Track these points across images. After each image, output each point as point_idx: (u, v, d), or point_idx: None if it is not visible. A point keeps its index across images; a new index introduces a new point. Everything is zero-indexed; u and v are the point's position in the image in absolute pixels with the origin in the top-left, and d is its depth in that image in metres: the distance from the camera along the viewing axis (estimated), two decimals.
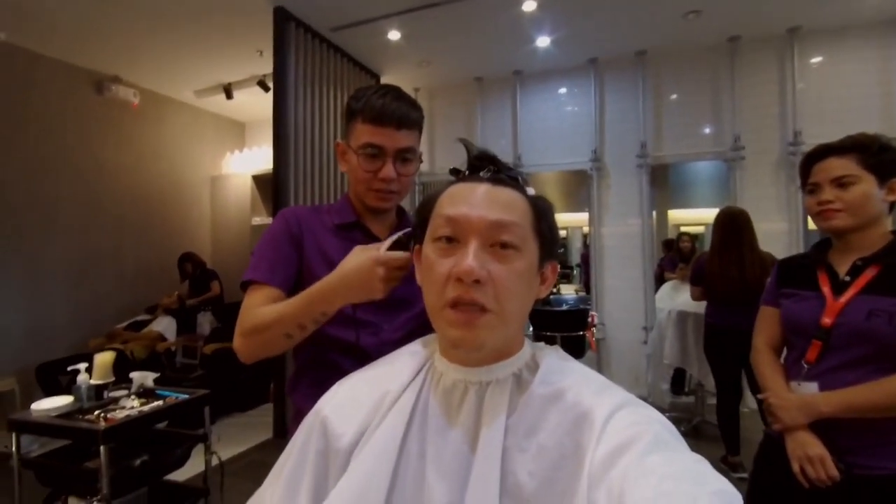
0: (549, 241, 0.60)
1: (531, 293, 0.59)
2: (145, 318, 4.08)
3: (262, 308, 0.84)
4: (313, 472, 0.59)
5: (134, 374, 1.68)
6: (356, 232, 0.96)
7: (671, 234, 5.23)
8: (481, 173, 0.60)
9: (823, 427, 0.99)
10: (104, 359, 1.62)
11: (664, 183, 5.39)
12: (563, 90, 4.47)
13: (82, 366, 1.57)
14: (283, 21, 3.32)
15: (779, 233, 3.76)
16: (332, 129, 3.83)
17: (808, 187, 1.11)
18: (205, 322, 4.13)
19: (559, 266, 0.64)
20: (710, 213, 5.10)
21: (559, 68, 4.33)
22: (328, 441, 0.60)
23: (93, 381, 1.56)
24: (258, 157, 5.10)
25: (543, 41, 3.86)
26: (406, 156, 0.91)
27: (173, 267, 4.56)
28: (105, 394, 1.59)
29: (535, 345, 0.63)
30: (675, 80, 4.12)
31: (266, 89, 4.26)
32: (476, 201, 0.56)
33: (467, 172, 0.63)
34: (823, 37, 3.69)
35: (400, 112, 0.88)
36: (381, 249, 0.76)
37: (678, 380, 3.81)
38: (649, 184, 4.15)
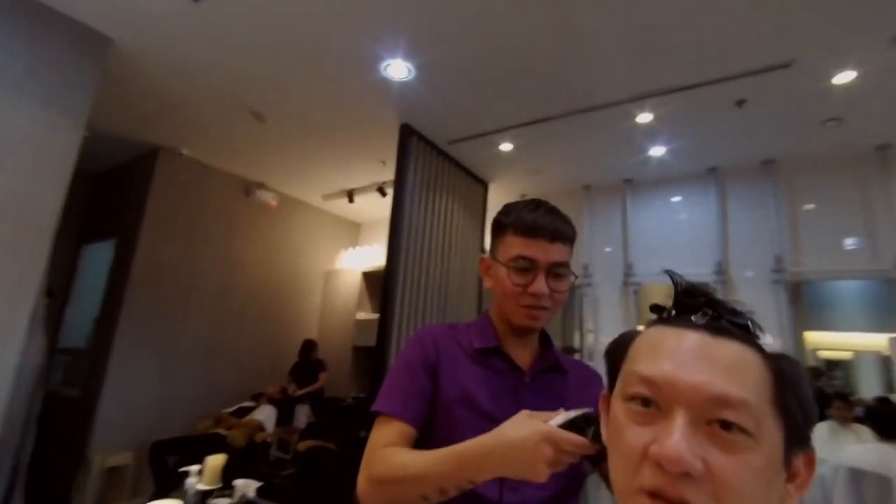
0: (799, 421, 0.43)
1: (772, 498, 0.41)
2: (250, 405, 4.21)
3: (397, 453, 0.74)
4: None
5: (237, 483, 1.61)
6: (495, 359, 0.87)
7: (808, 360, 4.46)
8: (694, 317, 0.46)
9: None
10: (216, 463, 1.59)
11: (798, 301, 4.74)
12: (678, 198, 4.27)
13: (194, 468, 1.55)
14: (408, 135, 3.64)
15: None
16: (441, 231, 3.97)
17: None
18: (301, 414, 4.16)
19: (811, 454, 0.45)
20: (856, 337, 4.35)
21: (674, 177, 4.19)
22: None
23: (201, 486, 1.53)
24: (369, 255, 5.42)
25: (658, 150, 3.79)
26: (559, 271, 0.85)
27: (282, 356, 4.78)
28: (209, 501, 1.55)
29: None
30: (814, 190, 3.74)
31: (383, 194, 4.62)
32: (685, 357, 0.43)
33: (673, 312, 0.50)
34: None
35: (553, 226, 0.84)
36: (551, 422, 0.63)
37: None
38: (788, 301, 3.64)
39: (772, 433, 0.41)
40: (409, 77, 2.97)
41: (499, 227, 0.89)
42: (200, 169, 4.45)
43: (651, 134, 3.55)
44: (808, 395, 0.44)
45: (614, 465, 0.45)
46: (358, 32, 2.61)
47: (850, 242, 3.57)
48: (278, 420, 4.08)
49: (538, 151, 3.97)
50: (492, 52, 2.71)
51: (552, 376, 0.89)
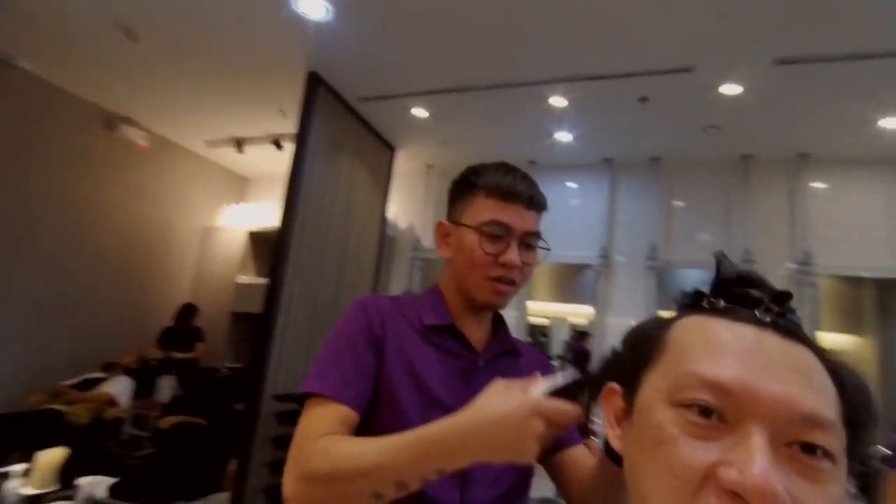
0: (863, 440, 0.36)
1: None
2: (99, 377, 3.61)
3: (338, 443, 0.61)
4: None
5: (82, 482, 1.26)
6: (447, 338, 0.76)
7: None
8: (758, 311, 0.37)
9: None
10: (49, 460, 1.23)
11: (661, 286, 5.38)
12: (575, 185, 4.50)
13: (17, 468, 1.17)
14: (315, 85, 3.29)
15: None
16: (342, 194, 3.70)
17: None
18: (165, 387, 3.67)
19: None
20: None
21: (575, 164, 4.39)
22: None
23: (29, 491, 1.17)
24: (257, 213, 4.92)
25: (564, 136, 3.92)
26: (532, 241, 0.76)
27: (145, 321, 4.17)
28: None
29: None
30: (688, 190, 4.18)
31: (279, 147, 4.19)
32: (763, 362, 0.34)
33: (722, 303, 0.40)
34: (832, 165, 3.82)
35: (531, 191, 0.76)
36: (534, 391, 0.54)
37: None
38: (656, 286, 4.06)
39: (844, 460, 0.34)
40: (326, 17, 2.63)
41: (466, 187, 0.78)
42: (45, 90, 3.60)
43: (560, 119, 3.65)
44: (875, 411, 0.37)
45: (655, 486, 0.35)
46: None
47: (705, 238, 4.07)
48: (135, 393, 3.56)
49: (452, 122, 3.87)
50: (424, 6, 2.50)
51: (506, 360, 0.81)
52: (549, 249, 0.79)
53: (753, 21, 2.40)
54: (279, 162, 4.23)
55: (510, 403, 0.52)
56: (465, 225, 0.76)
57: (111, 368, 3.68)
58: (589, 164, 4.37)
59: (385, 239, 4.45)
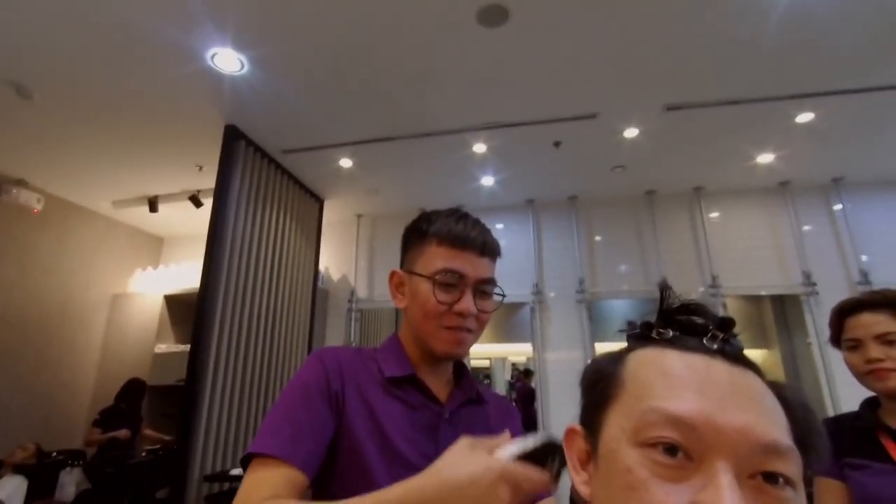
0: (812, 463, 0.37)
1: None
2: None
3: None
4: None
5: None
6: (409, 390, 0.74)
7: None
8: (706, 340, 0.39)
9: None
10: None
11: (591, 317, 5.65)
12: (500, 226, 4.68)
13: None
14: (234, 139, 3.21)
15: None
16: (270, 250, 3.56)
17: (848, 343, 1.07)
18: (69, 483, 3.20)
19: None
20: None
21: (500, 205, 4.58)
22: None
23: None
24: (175, 276, 4.58)
25: (488, 180, 4.10)
26: (487, 288, 0.76)
27: (40, 404, 3.65)
28: None
29: None
30: (604, 224, 4.49)
31: (198, 205, 3.99)
32: (719, 392, 0.35)
33: (671, 332, 0.41)
34: (722, 196, 4.30)
35: (483, 238, 0.75)
36: (502, 453, 0.51)
37: None
38: (588, 318, 4.25)
39: (801, 482, 0.35)
40: (241, 71, 2.62)
41: (417, 236, 0.78)
42: None
43: (483, 164, 3.82)
44: (822, 430, 0.38)
45: None
46: (176, 7, 2.20)
47: (624, 269, 4.36)
48: (31, 493, 3.06)
49: (378, 171, 3.91)
50: (340, 59, 2.57)
51: (471, 408, 0.80)
52: (504, 296, 0.78)
53: (645, 73, 2.70)
54: (198, 219, 4.03)
55: (476, 467, 0.49)
56: (418, 274, 0.75)
57: (0, 467, 3.16)
58: (513, 205, 4.58)
59: (318, 292, 4.31)
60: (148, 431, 3.88)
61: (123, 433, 3.53)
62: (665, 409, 0.35)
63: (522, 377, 4.90)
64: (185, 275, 4.48)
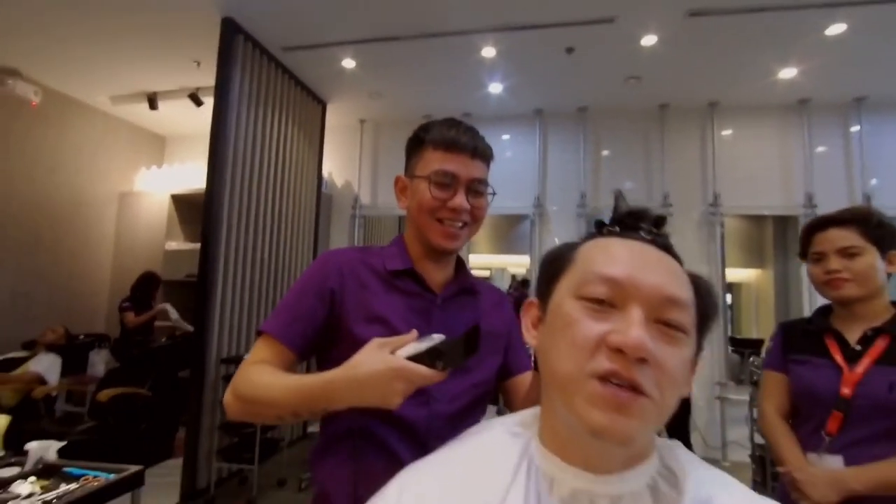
0: (705, 329, 0.50)
1: (686, 385, 0.48)
2: (21, 356, 3.38)
3: (262, 374, 0.74)
4: None
5: (31, 446, 1.26)
6: (407, 281, 0.84)
7: None
8: (642, 232, 0.51)
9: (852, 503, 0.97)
10: None
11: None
12: (507, 136, 4.59)
13: None
14: (231, 33, 3.07)
15: None
16: (274, 151, 3.56)
17: (813, 256, 1.14)
18: (99, 362, 3.52)
19: None
20: None
21: (507, 115, 4.45)
22: None
23: None
24: (179, 175, 4.62)
25: (496, 87, 3.95)
26: (478, 188, 0.84)
27: (64, 295, 3.90)
28: None
29: (659, 444, 0.52)
30: (613, 138, 4.40)
31: (198, 103, 3.91)
32: (639, 263, 0.47)
33: (618, 229, 0.53)
34: (736, 113, 4.16)
35: (474, 142, 0.83)
36: (400, 352, 0.62)
37: None
38: (587, 233, 4.33)
39: (693, 334, 0.48)
40: None
41: (417, 144, 0.86)
42: None
43: (491, 70, 3.66)
44: (717, 310, 0.52)
45: (561, 357, 0.46)
46: None
47: (629, 185, 4.35)
48: (66, 369, 3.39)
49: (382, 73, 3.77)
50: None
51: (464, 298, 0.89)
52: (494, 194, 0.87)
53: None
54: (200, 119, 3.97)
55: (378, 364, 0.61)
56: (417, 176, 0.84)
57: (33, 346, 3.46)
58: (521, 114, 4.45)
59: (322, 197, 4.36)
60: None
61: (160, 309, 3.82)
62: (601, 272, 0.47)
63: (519, 287, 5.11)
64: (191, 174, 4.51)
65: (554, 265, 0.53)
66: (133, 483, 1.31)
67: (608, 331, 0.44)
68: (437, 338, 0.63)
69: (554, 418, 0.49)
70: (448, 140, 0.82)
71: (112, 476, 1.26)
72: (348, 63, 3.58)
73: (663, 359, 0.43)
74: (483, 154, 0.85)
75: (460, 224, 0.83)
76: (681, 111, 4.22)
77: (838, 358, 1.07)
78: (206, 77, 3.36)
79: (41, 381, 3.20)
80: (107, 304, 4.47)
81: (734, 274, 5.41)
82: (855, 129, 3.97)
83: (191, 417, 2.91)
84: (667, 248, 0.51)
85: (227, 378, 3.01)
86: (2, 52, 3.47)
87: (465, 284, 0.90)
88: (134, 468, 1.31)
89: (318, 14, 2.98)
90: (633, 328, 0.43)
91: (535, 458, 0.50)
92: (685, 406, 2.68)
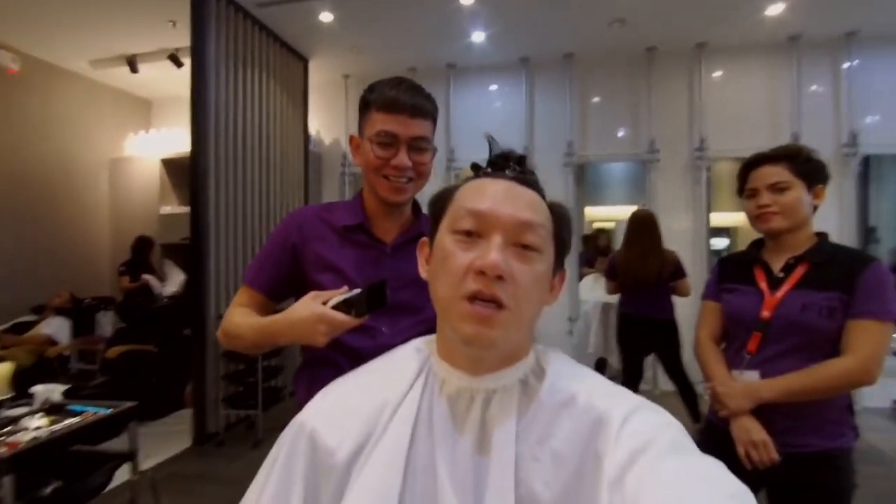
0: (563, 249, 0.60)
1: (543, 300, 0.57)
2: (31, 320, 3.55)
3: (236, 314, 0.93)
4: (302, 493, 0.54)
5: (36, 389, 1.42)
6: (360, 234, 0.95)
7: (586, 230, 5.57)
8: (507, 171, 0.59)
9: (763, 411, 1.09)
10: (2, 371, 1.37)
11: (582, 181, 5.74)
12: (494, 87, 4.54)
13: None
14: None
15: (685, 230, 4.13)
16: (257, 111, 3.57)
17: (748, 192, 1.21)
18: (106, 323, 3.69)
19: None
20: (622, 211, 5.55)
21: (492, 65, 4.39)
22: (318, 455, 0.55)
23: None
24: (168, 139, 4.63)
25: (478, 36, 3.89)
26: (420, 145, 0.90)
27: (64, 259, 4.03)
28: (1, 412, 1.35)
29: (538, 349, 0.62)
30: (600, 84, 4.35)
31: (179, 65, 3.89)
32: (501, 198, 0.55)
33: (489, 169, 0.61)
34: (725, 53, 4.08)
35: (413, 101, 0.89)
36: (330, 302, 0.78)
37: (600, 369, 4.07)
38: (574, 182, 4.37)
39: (549, 254, 0.56)
40: None
41: (363, 105, 0.93)
42: None
43: (473, 18, 3.59)
44: (570, 232, 0.61)
45: (441, 285, 0.55)
46: None
47: (616, 131, 4.34)
48: (74, 331, 3.56)
49: (361, 26, 3.71)
50: None
51: (414, 246, 0.98)
52: (436, 150, 0.94)
53: None
54: (184, 81, 3.92)
55: (306, 312, 0.77)
56: (364, 137, 0.91)
57: (41, 310, 3.63)
58: (506, 64, 4.38)
59: (310, 155, 4.39)
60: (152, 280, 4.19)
61: (150, 279, 3.95)
62: (468, 207, 0.55)
63: None
64: (179, 138, 4.52)
65: (437, 206, 0.61)
66: (128, 417, 1.46)
67: (474, 258, 0.52)
68: (356, 292, 0.78)
69: (442, 333, 0.60)
70: (389, 101, 0.88)
71: (109, 410, 1.41)
72: (326, 17, 3.52)
73: (518, 275, 0.52)
74: (423, 112, 0.90)
75: (405, 179, 0.90)
76: (668, 54, 4.14)
77: (763, 285, 1.17)
78: (184, 37, 3.32)
79: (52, 342, 3.38)
80: (109, 269, 4.61)
81: (731, 218, 5.48)
82: (845, 65, 3.91)
83: (196, 370, 3.10)
84: (528, 182, 0.58)
85: None
86: None
87: (415, 233, 0.97)
88: (129, 403, 1.47)
89: None
90: (491, 252, 0.51)
91: (433, 366, 0.60)
92: (675, 343, 2.83)
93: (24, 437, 1.22)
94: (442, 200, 0.61)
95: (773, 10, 3.48)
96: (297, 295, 0.93)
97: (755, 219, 1.19)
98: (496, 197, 0.55)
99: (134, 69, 4.05)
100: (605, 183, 6.22)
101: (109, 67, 4.17)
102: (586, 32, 3.86)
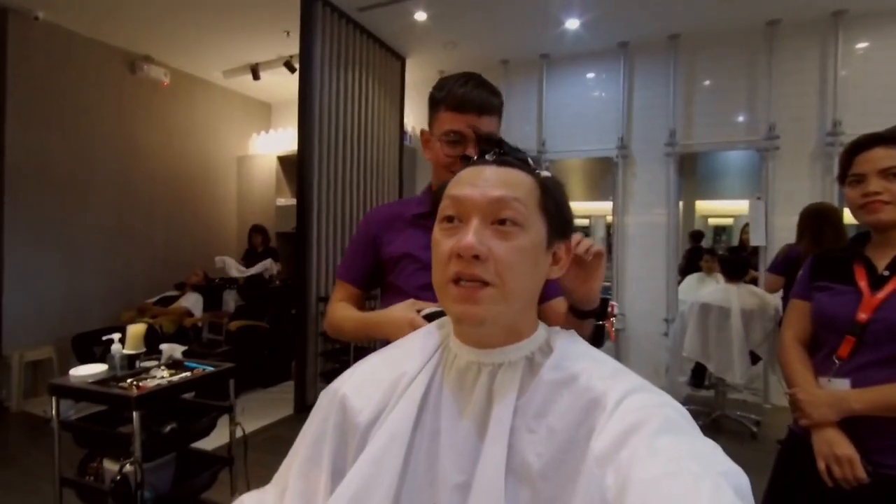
0: (557, 219, 0.59)
1: (538, 272, 0.58)
2: (174, 294, 4.21)
3: (337, 309, 1.07)
4: (332, 445, 0.62)
5: (163, 346, 1.74)
6: (430, 220, 0.99)
7: (698, 226, 5.12)
8: (487, 156, 0.61)
9: (852, 424, 0.97)
10: (136, 330, 1.69)
11: (692, 173, 5.26)
12: (591, 75, 4.37)
13: (116, 336, 1.64)
14: (310, 1, 3.31)
15: None
16: (357, 110, 3.83)
17: (851, 178, 1.06)
18: (230, 300, 4.24)
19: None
20: (739, 205, 5.00)
21: (588, 52, 4.23)
22: (346, 416, 0.62)
23: (126, 351, 1.63)
24: (284, 139, 5.16)
25: (573, 23, 3.77)
26: None
27: (203, 244, 4.70)
28: (137, 363, 1.67)
29: (552, 329, 0.63)
30: (710, 66, 3.98)
31: (292, 70, 4.28)
32: (479, 181, 0.56)
33: (475, 157, 0.63)
34: (870, 21, 3.50)
35: (480, 99, 0.92)
36: (423, 312, 0.86)
37: (699, 374, 3.76)
38: (677, 173, 4.06)
39: (537, 226, 0.57)
40: None
41: (433, 103, 0.98)
42: (67, 37, 3.82)
43: (566, 5, 3.50)
44: (564, 202, 0.61)
45: (433, 272, 0.59)
46: None
47: (728, 117, 3.92)
48: (206, 306, 4.14)
49: (454, 22, 3.79)
50: None
51: None
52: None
53: None
54: (297, 84, 4.36)
55: (401, 314, 0.87)
56: (434, 135, 0.97)
57: (182, 287, 4.28)
58: (603, 50, 4.19)
59: (405, 150, 4.60)
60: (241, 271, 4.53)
61: (266, 264, 4.44)
62: (450, 194, 0.58)
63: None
64: (292, 137, 4.99)
65: (436, 199, 0.64)
66: (228, 375, 1.71)
67: (456, 242, 0.55)
68: (436, 308, 0.86)
69: None
70: (457, 100, 0.92)
71: (213, 368, 1.66)
72: (420, 16, 3.66)
73: (497, 251, 0.53)
74: (490, 109, 0.94)
75: None
76: (794, 27, 3.66)
77: (862, 284, 1.02)
78: (297, 45, 3.66)
79: (189, 314, 3.97)
80: (235, 252, 5.26)
81: None
82: None
83: (299, 346, 3.44)
84: (506, 163, 0.59)
85: (324, 313, 3.48)
86: (137, 41, 4.12)
87: None
88: (228, 365, 1.72)
89: None
90: (465, 236, 0.53)
91: (449, 342, 0.65)
92: None
93: (150, 384, 1.51)
94: (438, 196, 0.63)
95: None
96: (381, 283, 1.09)
97: (860, 209, 1.04)
98: (475, 181, 0.57)
99: (256, 76, 4.56)
100: (719, 175, 5.65)
101: (237, 76, 4.75)
102: (695, 10, 3.56)
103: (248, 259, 4.53)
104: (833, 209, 2.68)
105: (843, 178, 1.10)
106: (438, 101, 0.95)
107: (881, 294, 0.99)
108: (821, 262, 1.16)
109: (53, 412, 1.55)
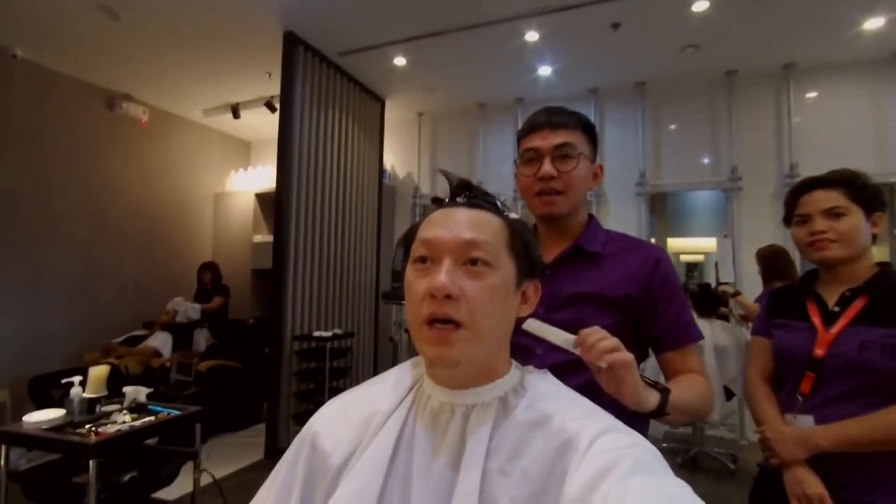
0: (525, 259, 0.61)
1: (508, 311, 0.59)
2: (142, 334, 4.07)
3: None
4: (301, 487, 0.60)
5: (127, 389, 1.68)
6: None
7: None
8: (459, 199, 0.62)
9: (820, 461, 0.98)
10: (98, 372, 1.62)
11: (663, 212, 5.45)
12: None
13: (76, 378, 1.58)
14: (293, 45, 3.41)
15: None
16: (336, 149, 3.89)
17: (797, 218, 1.12)
18: (200, 338, 4.12)
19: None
20: (709, 242, 5.18)
21: (560, 97, 4.41)
22: (317, 458, 0.60)
23: (86, 395, 1.56)
24: (262, 176, 5.17)
25: (545, 70, 3.96)
26: (563, 152, 0.90)
27: (173, 282, 4.58)
28: (98, 408, 1.59)
29: (525, 369, 0.64)
30: (675, 111, 4.20)
31: (273, 110, 4.35)
32: (449, 224, 0.58)
33: (446, 200, 0.65)
34: (818, 73, 3.78)
35: (551, 117, 0.92)
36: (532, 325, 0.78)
37: None
38: (648, 211, 4.20)
39: (506, 266, 0.58)
40: None
41: (518, 139, 0.99)
42: (45, 76, 3.82)
43: (539, 53, 3.68)
44: (531, 243, 0.62)
45: (408, 312, 0.59)
46: None
47: (693, 159, 4.12)
48: (175, 345, 4.01)
49: (433, 67, 3.94)
50: None
51: (576, 262, 0.94)
52: (593, 161, 0.94)
53: None
54: (277, 124, 4.42)
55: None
56: (517, 163, 0.97)
57: (151, 325, 4.14)
58: (575, 95, 4.39)
59: (384, 189, 4.65)
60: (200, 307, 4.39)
61: (217, 302, 4.34)
62: (420, 237, 0.59)
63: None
64: (271, 175, 5.02)
65: (406, 243, 0.65)
66: (195, 418, 1.64)
67: (429, 283, 0.55)
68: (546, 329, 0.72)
69: None
70: (528, 124, 0.94)
71: (179, 412, 1.59)
72: (399, 61, 3.79)
73: (469, 291, 0.55)
74: (563, 124, 0.91)
75: (552, 190, 0.90)
76: (751, 77, 3.92)
77: (816, 320, 1.06)
78: (278, 86, 3.74)
79: (157, 354, 3.83)
80: None
81: None
82: None
83: (272, 386, 3.34)
84: (476, 205, 0.61)
85: (300, 353, 3.40)
86: (118, 80, 4.14)
87: (571, 249, 0.93)
88: (194, 408, 1.66)
89: (367, 19, 3.22)
90: (438, 276, 0.54)
91: (423, 383, 0.64)
92: None
93: (110, 429, 1.44)
94: (409, 237, 0.65)
95: (872, 25, 3.19)
96: None
97: (807, 247, 1.10)
98: (446, 224, 0.58)
99: (236, 115, 4.61)
100: (688, 213, 5.88)
101: (217, 115, 4.79)
102: (658, 60, 3.79)
103: (199, 297, 4.43)
104: (784, 249, 2.80)
105: (788, 220, 1.17)
106: (519, 134, 0.97)
107: (834, 329, 1.03)
108: (777, 298, 1.20)
109: (2, 461, 1.45)
